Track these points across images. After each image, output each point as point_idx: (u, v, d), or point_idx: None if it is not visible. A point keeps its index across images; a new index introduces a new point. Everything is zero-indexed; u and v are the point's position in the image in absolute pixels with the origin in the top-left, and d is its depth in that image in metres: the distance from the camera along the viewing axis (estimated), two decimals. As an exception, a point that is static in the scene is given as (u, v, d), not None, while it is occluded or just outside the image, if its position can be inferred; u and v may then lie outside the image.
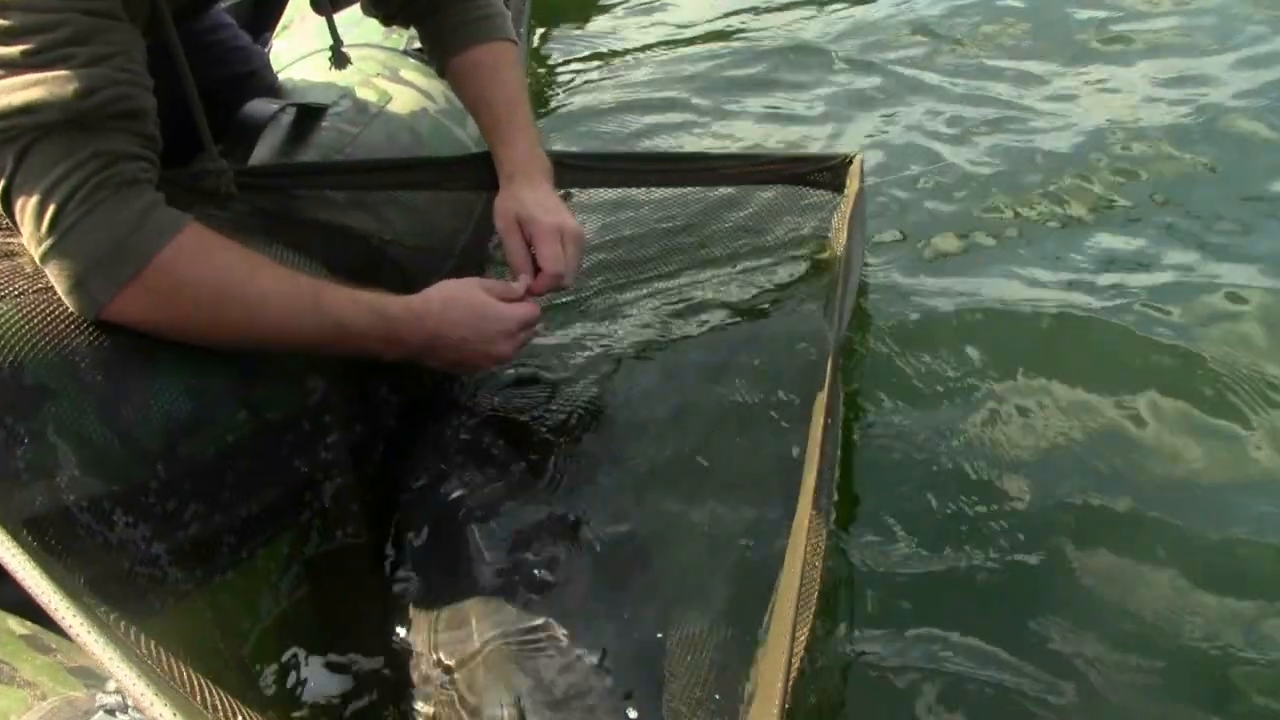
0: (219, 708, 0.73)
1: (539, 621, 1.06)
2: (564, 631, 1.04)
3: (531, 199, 1.38)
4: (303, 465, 1.22)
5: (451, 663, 1.04)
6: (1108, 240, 2.03)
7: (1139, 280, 1.89)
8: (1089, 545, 1.35)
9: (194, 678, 0.75)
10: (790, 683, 0.78)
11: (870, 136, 2.49)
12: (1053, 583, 1.30)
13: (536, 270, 1.35)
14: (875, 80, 2.76)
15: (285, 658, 1.13)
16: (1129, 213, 2.12)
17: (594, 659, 1.02)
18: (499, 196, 1.41)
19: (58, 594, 0.65)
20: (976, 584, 1.30)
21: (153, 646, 0.77)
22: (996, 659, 1.21)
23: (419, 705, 1.04)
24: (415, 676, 1.06)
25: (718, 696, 0.99)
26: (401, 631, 1.12)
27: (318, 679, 1.11)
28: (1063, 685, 1.18)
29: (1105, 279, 1.89)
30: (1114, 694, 1.17)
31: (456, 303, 1.24)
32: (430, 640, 1.07)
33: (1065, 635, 1.23)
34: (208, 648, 1.04)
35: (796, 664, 0.83)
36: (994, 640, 1.23)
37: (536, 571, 1.13)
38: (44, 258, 1.02)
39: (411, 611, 1.12)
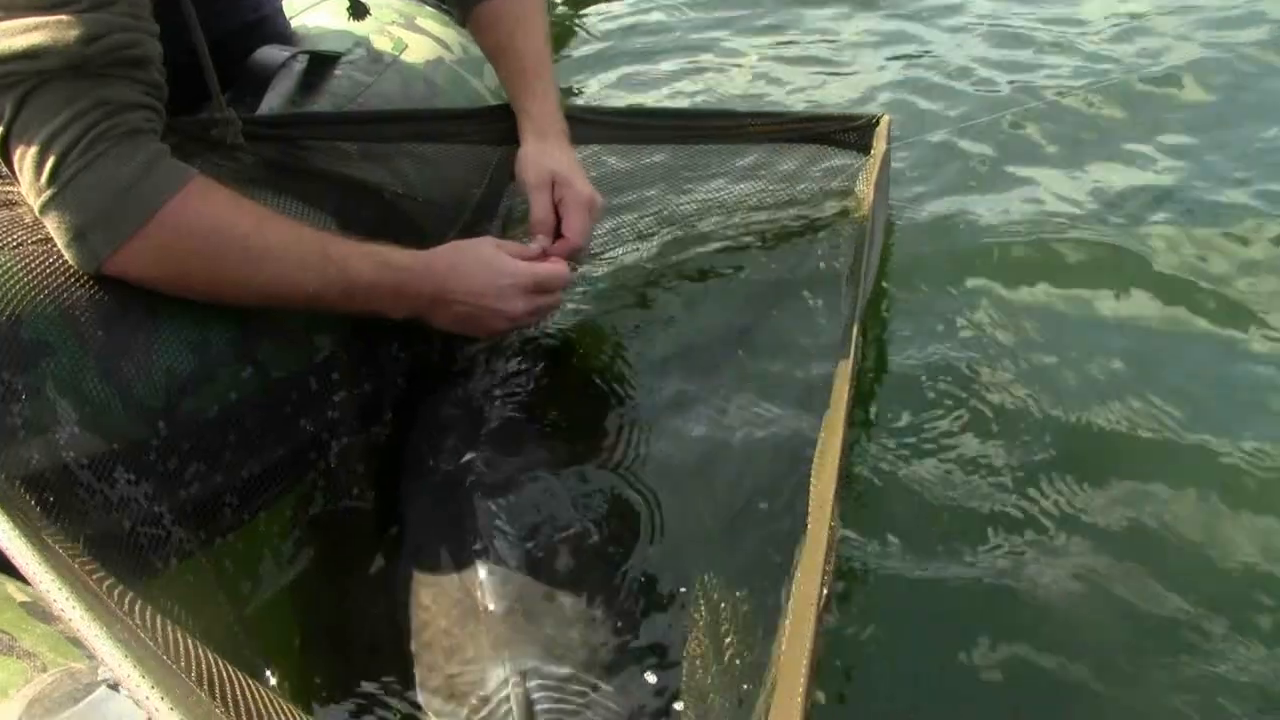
0: (218, 680, 0.71)
1: (559, 655, 0.96)
2: (590, 677, 0.95)
3: (565, 161, 1.37)
4: (309, 425, 1.20)
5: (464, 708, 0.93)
6: (1141, 178, 2.01)
7: (1175, 217, 1.87)
8: (1123, 475, 1.34)
9: (194, 647, 0.73)
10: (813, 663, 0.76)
11: (897, 79, 2.47)
12: (1079, 508, 1.29)
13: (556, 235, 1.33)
14: (905, 23, 2.76)
15: (289, 623, 1.11)
16: (1165, 151, 2.10)
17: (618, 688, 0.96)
18: (528, 150, 1.38)
19: (43, 566, 0.62)
20: (1003, 514, 1.29)
21: (149, 615, 0.75)
22: (1026, 584, 1.20)
23: None
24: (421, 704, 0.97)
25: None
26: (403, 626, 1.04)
27: (321, 645, 1.09)
28: (1091, 612, 1.17)
29: (1139, 216, 1.88)
30: (1154, 625, 1.16)
31: (467, 255, 1.23)
32: (436, 670, 0.97)
33: (1095, 561, 1.22)
34: (210, 612, 1.02)
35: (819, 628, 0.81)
36: (1023, 566, 1.22)
37: (551, 571, 1.05)
38: (43, 210, 0.99)
39: (413, 618, 1.03)
